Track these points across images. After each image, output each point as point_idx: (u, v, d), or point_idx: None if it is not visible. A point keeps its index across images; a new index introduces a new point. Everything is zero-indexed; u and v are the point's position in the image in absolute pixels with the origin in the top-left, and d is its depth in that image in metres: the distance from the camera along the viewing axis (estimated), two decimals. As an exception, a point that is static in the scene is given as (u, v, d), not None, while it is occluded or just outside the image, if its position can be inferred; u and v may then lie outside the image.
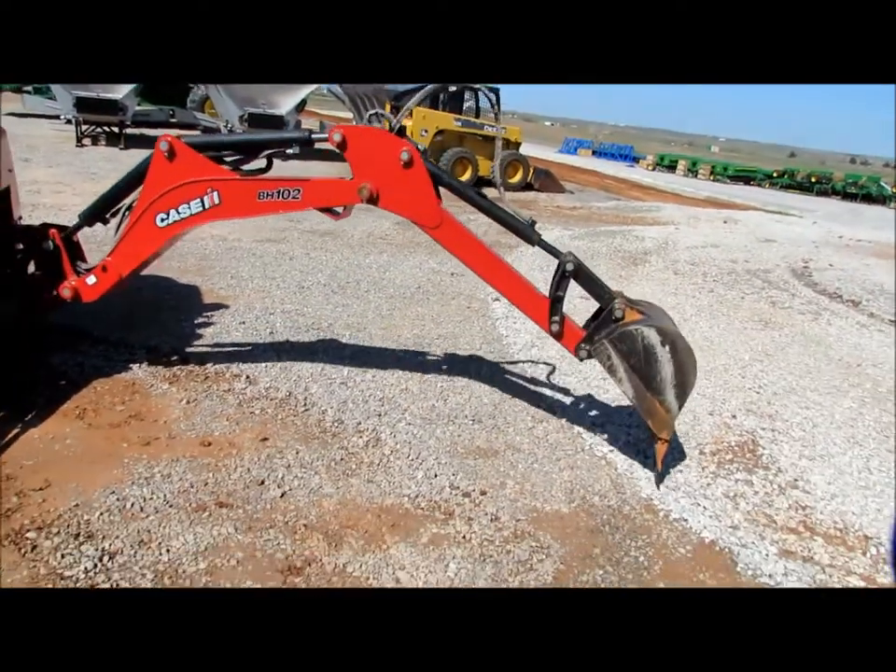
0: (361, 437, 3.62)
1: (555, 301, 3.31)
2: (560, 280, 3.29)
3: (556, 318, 3.32)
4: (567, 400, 4.40)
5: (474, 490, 3.25)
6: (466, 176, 14.91)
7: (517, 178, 16.18)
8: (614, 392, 4.54)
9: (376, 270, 7.09)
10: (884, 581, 2.90)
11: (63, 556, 2.57)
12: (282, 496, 3.03)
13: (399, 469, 3.36)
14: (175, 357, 4.33)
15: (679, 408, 3.34)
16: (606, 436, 3.94)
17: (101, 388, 3.86)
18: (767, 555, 3.01)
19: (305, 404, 3.91)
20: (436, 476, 3.33)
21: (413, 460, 3.45)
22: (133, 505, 2.90)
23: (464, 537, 2.90)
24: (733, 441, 4.11)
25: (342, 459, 3.39)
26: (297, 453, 3.38)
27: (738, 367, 5.38)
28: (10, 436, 3.33)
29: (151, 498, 2.95)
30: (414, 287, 6.59)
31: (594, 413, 4.26)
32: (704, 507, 3.35)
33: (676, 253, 9.99)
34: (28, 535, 2.68)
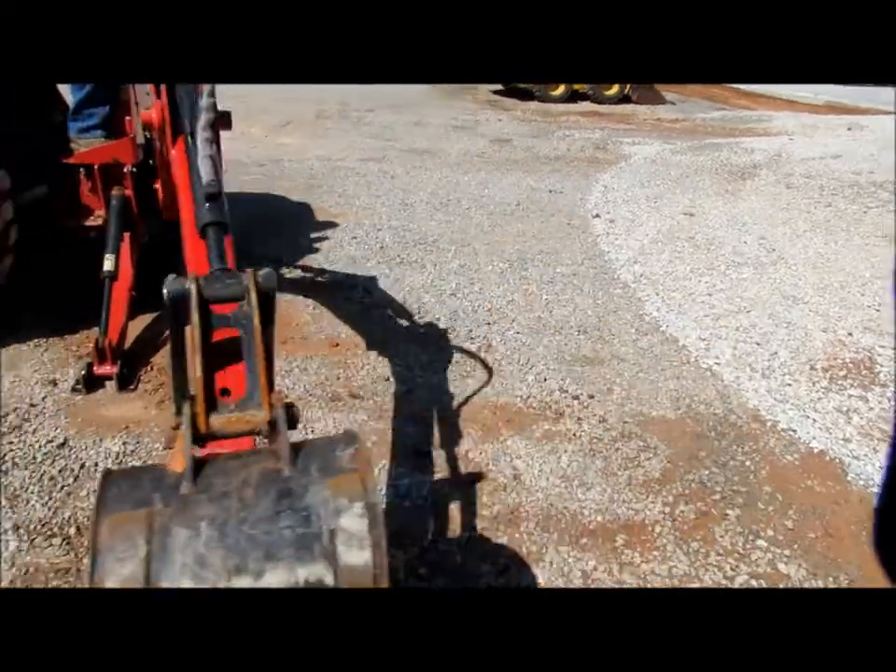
0: (473, 343, 3.84)
1: None
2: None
3: None
4: (672, 315, 4.43)
5: (582, 394, 3.42)
6: (559, 91, 14.41)
7: (613, 91, 15.42)
8: (721, 308, 4.53)
9: (475, 187, 7.15)
10: None
11: (222, 435, 2.96)
12: (407, 391, 3.31)
13: (510, 372, 3.57)
14: (297, 268, 4.65)
15: None
16: (711, 350, 3.98)
17: (235, 295, 4.23)
18: (882, 467, 3.04)
19: (419, 312, 4.15)
20: (545, 380, 3.51)
21: (522, 365, 3.64)
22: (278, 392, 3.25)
23: (574, 434, 3.09)
24: (847, 359, 4.05)
25: (457, 362, 3.62)
26: (416, 355, 3.64)
27: (857, 284, 5.18)
28: (165, 335, 3.76)
29: (293, 388, 3.29)
30: (514, 204, 6.62)
31: (699, 328, 4.28)
32: (813, 419, 3.38)
33: (789, 166, 9.43)
34: (191, 417, 3.08)
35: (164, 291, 1.54)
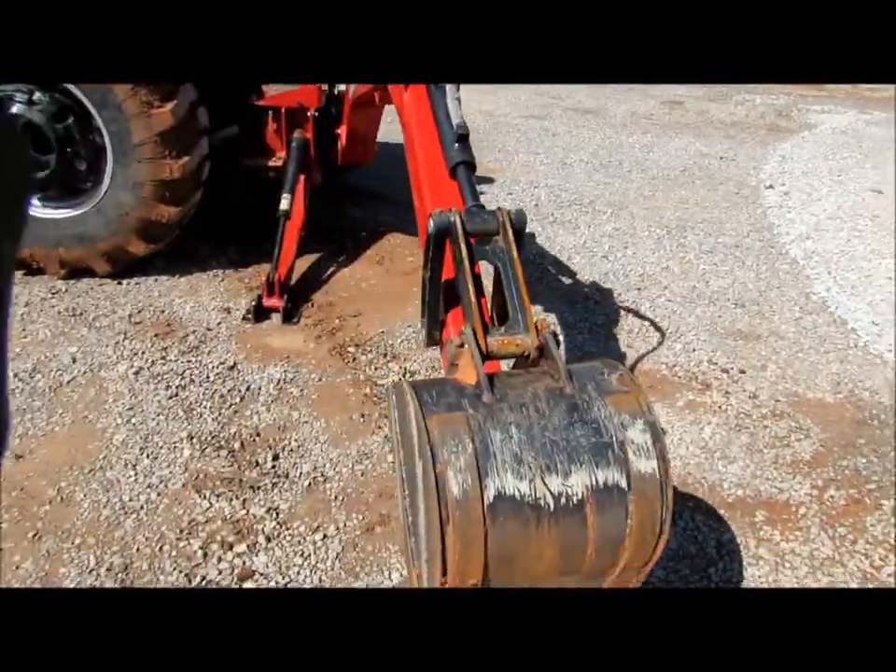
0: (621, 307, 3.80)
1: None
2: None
3: None
4: (843, 297, 4.10)
5: (733, 368, 3.30)
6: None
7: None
8: (904, 293, 4.13)
9: (639, 150, 6.91)
10: None
11: (375, 369, 3.20)
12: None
13: (657, 338, 3.51)
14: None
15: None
16: (884, 336, 3.66)
17: (393, 240, 4.47)
18: None
19: (569, 273, 4.16)
20: (694, 350, 3.42)
21: (671, 333, 3.56)
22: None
23: (720, 407, 3.01)
24: None
25: (602, 324, 3.62)
26: (562, 314, 3.68)
27: None
28: (329, 272, 4.07)
29: (439, 334, 3.46)
30: (679, 170, 6.34)
31: (873, 312, 3.94)
32: None
33: None
34: (349, 349, 3.35)
35: (430, 223, 1.71)
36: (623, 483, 1.24)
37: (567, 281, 4.08)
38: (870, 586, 2.18)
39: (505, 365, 1.62)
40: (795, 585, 2.17)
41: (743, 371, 3.27)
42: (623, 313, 3.75)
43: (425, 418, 1.25)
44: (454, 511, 1.17)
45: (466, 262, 1.62)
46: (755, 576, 2.21)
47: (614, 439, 1.26)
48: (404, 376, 3.14)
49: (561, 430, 1.25)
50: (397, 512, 2.38)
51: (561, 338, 3.37)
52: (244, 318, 3.57)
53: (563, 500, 1.22)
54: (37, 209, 3.59)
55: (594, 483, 1.23)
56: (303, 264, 4.05)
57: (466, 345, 1.42)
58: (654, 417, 1.27)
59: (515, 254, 1.67)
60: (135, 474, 2.56)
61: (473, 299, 1.54)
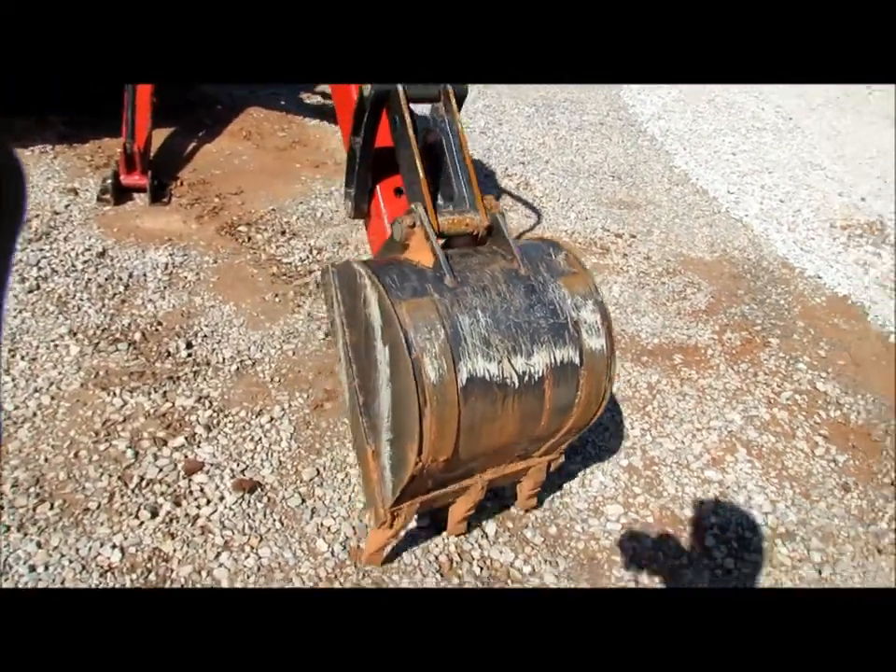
0: (511, 180, 3.79)
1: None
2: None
3: None
4: (700, 170, 4.44)
5: (624, 233, 3.46)
6: None
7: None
8: (746, 167, 4.56)
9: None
10: None
11: (277, 247, 2.91)
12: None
13: (552, 209, 3.56)
14: (317, 94, 4.40)
15: (406, 480, 1.37)
16: (740, 203, 4.05)
17: (257, 115, 4.01)
18: (897, 312, 3.24)
19: (453, 147, 4.03)
20: (587, 219, 3.53)
21: (563, 203, 3.63)
22: (322, 215, 3.18)
23: (622, 268, 3.16)
24: (862, 220, 4.19)
25: (500, 196, 3.59)
26: (458, 186, 3.58)
27: (866, 157, 5.27)
28: (191, 148, 3.57)
29: (337, 211, 3.22)
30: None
31: (727, 183, 4.32)
32: (836, 269, 3.54)
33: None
34: (240, 228, 3.00)
35: (368, 90, 1.48)
36: (577, 360, 1.35)
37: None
38: (775, 412, 2.47)
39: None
40: (717, 415, 2.40)
41: (634, 236, 3.45)
42: (514, 185, 3.74)
43: (393, 305, 1.24)
44: (431, 396, 1.20)
45: (411, 133, 1.46)
46: (686, 409, 2.41)
47: (569, 319, 1.34)
48: (311, 254, 2.89)
49: (522, 312, 1.32)
50: (342, 389, 2.24)
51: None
52: (99, 199, 3.04)
53: (526, 379, 1.30)
54: None
55: (552, 361, 1.32)
56: (159, 139, 3.50)
57: (417, 224, 1.38)
58: (602, 297, 1.39)
59: (460, 126, 1.52)
60: (12, 379, 2.14)
61: (422, 174, 1.42)
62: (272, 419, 2.11)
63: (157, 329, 2.40)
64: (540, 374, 1.31)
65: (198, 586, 1.66)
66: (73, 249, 2.74)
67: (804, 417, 2.44)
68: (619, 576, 1.82)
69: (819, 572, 1.89)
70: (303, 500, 1.89)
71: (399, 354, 1.24)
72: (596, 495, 2.04)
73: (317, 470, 1.97)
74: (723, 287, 3.18)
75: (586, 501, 2.02)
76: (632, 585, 1.80)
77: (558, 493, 2.02)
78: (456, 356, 1.24)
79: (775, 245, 3.65)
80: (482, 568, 1.78)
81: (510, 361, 1.28)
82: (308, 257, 2.86)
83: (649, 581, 1.82)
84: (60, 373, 2.18)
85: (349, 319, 1.46)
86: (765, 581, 1.86)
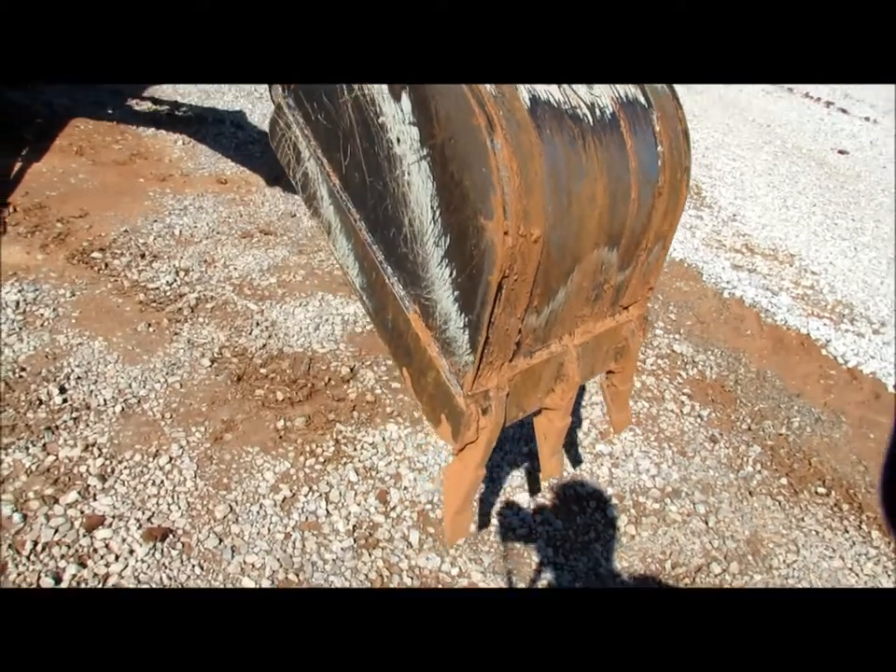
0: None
1: None
2: None
3: None
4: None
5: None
6: None
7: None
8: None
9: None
10: (806, 283, 3.69)
11: (139, 272, 2.74)
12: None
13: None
14: (146, 100, 4.13)
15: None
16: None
17: (85, 126, 3.70)
18: (724, 268, 3.69)
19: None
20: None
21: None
22: (181, 232, 3.03)
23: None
24: (683, 187, 4.67)
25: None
26: (317, 188, 3.55)
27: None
28: (18, 170, 3.23)
29: (196, 227, 3.08)
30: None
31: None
32: (670, 235, 3.95)
33: None
34: (93, 256, 2.79)
35: None
36: (642, 99, 1.21)
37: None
38: (644, 378, 2.75)
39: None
40: (596, 390, 2.63)
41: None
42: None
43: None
44: (497, 113, 0.94)
45: None
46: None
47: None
48: (179, 276, 2.76)
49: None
50: (242, 416, 2.19)
51: None
52: (-86, 239, 2.69)
53: (598, 113, 1.11)
54: None
55: (616, 94, 1.17)
56: (-28, 162, 3.15)
57: None
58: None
59: None
60: None
61: None
62: (171, 459, 2.03)
63: (21, 376, 2.20)
64: (611, 110, 1.14)
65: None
66: None
67: (668, 380, 2.74)
68: (538, 560, 1.98)
69: (706, 522, 2.16)
70: (220, 540, 1.85)
71: (444, 112, 0.97)
72: (506, 486, 2.18)
73: (230, 506, 1.94)
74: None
75: (496, 493, 2.15)
76: (553, 569, 1.96)
77: (469, 483, 2.14)
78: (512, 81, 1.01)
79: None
80: (412, 578, 1.86)
81: (571, 87, 1.10)
82: (175, 279, 2.73)
83: (564, 560, 1.99)
84: (-89, 445, 1.95)
85: (335, 153, 1.18)
86: (663, 539, 2.10)
